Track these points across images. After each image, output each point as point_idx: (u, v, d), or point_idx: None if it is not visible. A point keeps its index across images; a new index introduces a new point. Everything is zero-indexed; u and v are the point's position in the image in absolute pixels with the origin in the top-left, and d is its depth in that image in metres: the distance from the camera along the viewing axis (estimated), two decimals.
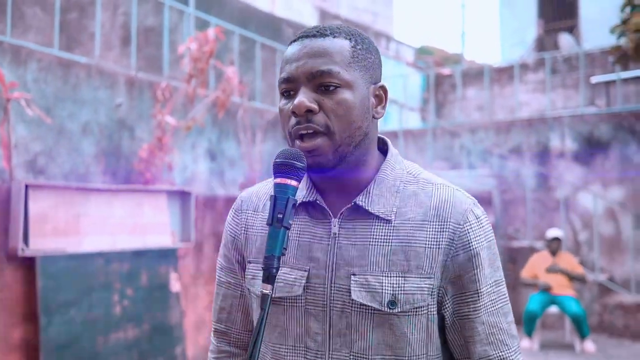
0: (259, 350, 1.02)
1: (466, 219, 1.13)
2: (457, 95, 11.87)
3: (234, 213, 1.31)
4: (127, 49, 7.12)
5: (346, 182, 1.16)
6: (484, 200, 7.58)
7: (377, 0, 16.39)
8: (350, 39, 1.14)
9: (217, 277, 1.34)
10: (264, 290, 1.03)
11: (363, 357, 1.11)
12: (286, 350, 1.17)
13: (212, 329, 1.36)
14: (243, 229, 1.27)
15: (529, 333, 6.77)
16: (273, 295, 1.11)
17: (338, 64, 1.10)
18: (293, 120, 1.11)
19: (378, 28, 14.71)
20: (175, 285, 5.04)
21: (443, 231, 1.12)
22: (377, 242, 1.12)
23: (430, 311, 1.13)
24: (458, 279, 1.13)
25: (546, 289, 6.71)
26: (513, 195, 8.49)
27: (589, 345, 6.60)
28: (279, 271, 1.12)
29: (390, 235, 1.12)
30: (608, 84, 10.63)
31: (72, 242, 4.37)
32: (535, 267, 6.96)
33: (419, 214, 1.13)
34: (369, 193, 1.15)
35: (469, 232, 1.13)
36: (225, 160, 7.08)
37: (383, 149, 1.24)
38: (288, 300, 1.16)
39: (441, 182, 1.19)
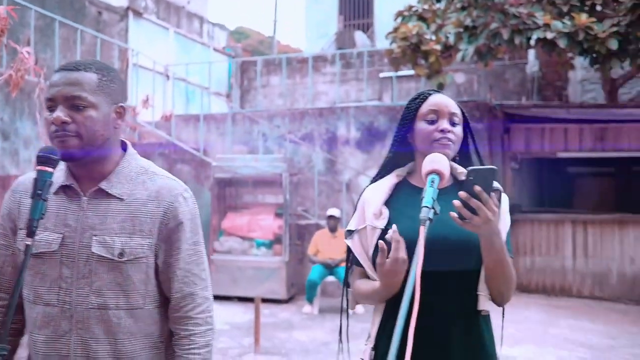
0: (23, 282, 1.47)
1: (176, 199, 1.70)
2: (261, 83, 12.57)
3: (11, 192, 1.76)
4: None
5: (94, 171, 1.67)
6: (275, 183, 8.35)
7: None
8: (97, 72, 1.64)
9: None
10: (26, 242, 1.50)
11: (99, 292, 1.62)
12: (44, 290, 1.64)
13: None
14: (17, 205, 1.72)
15: (310, 300, 7.68)
16: (37, 251, 1.62)
17: (86, 91, 1.60)
18: (53, 127, 1.60)
19: (192, 9, 14.86)
20: None
21: (160, 207, 1.67)
22: (113, 213, 1.65)
23: (149, 261, 1.67)
24: (168, 239, 1.68)
25: (325, 265, 7.66)
26: (304, 177, 9.40)
27: (360, 308, 7.67)
28: (43, 233, 1.62)
29: (122, 209, 1.65)
30: (394, 79, 12.04)
31: None
32: (317, 243, 7.88)
33: (144, 195, 1.68)
34: (110, 180, 1.67)
35: (177, 208, 1.69)
36: (19, 139, 7.02)
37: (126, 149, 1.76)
38: (47, 254, 1.63)
39: (163, 174, 1.76)
